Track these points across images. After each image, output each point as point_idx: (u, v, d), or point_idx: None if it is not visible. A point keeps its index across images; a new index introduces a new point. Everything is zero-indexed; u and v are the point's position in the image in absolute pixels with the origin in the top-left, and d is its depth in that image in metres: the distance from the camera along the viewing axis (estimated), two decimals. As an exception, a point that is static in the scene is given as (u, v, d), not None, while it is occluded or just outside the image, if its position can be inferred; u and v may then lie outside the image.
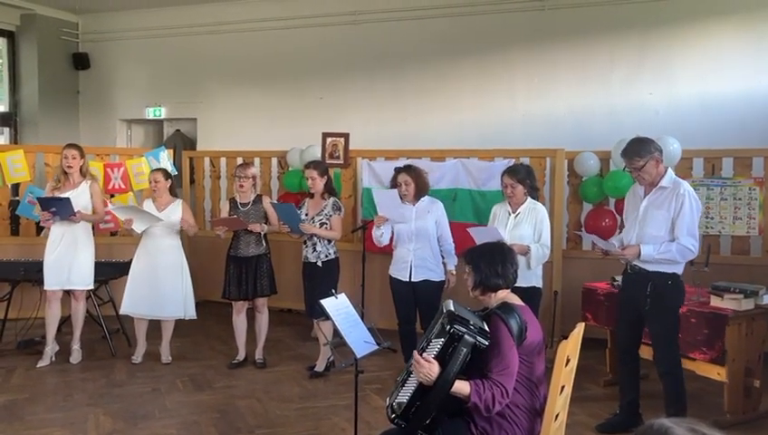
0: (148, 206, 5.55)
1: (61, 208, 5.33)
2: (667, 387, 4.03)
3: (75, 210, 5.36)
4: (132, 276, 5.54)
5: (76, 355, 5.63)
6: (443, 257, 4.99)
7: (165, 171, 5.73)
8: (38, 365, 5.47)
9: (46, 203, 5.37)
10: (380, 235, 4.97)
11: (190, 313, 5.63)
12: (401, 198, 4.92)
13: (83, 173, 5.57)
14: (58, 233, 5.48)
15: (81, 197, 5.50)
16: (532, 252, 4.47)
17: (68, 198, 5.34)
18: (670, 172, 3.99)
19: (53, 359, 5.60)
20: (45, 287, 5.50)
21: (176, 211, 5.56)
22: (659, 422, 1.28)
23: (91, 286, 5.65)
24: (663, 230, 3.91)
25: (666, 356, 4.01)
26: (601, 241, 4.21)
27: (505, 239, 4.37)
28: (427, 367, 2.59)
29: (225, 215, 5.53)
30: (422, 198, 4.97)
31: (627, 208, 4.28)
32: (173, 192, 5.70)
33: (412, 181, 4.91)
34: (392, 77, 8.14)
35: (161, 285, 5.48)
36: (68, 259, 5.47)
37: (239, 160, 7.46)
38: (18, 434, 4.17)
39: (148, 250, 5.53)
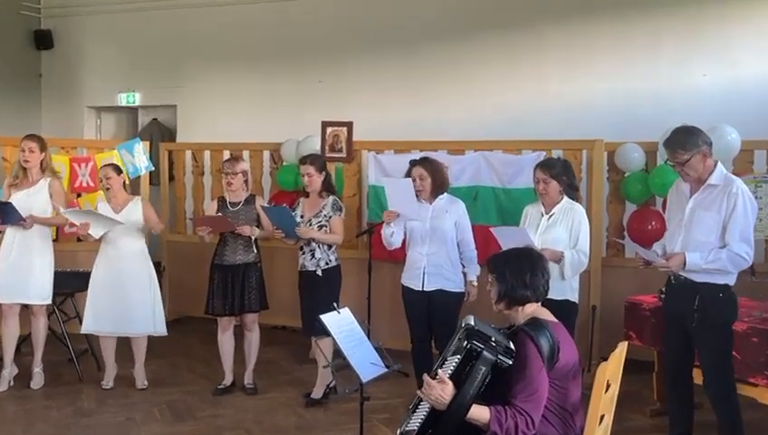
0: (104, 208, 5.55)
1: (5, 214, 5.35)
2: (721, 416, 4.02)
3: (28, 213, 5.37)
4: (93, 289, 5.55)
5: (38, 379, 5.66)
6: (463, 266, 4.99)
7: (115, 166, 5.78)
8: None
9: None
10: (391, 234, 4.96)
11: (160, 328, 5.66)
12: (417, 194, 4.91)
13: (43, 169, 5.60)
14: (9, 239, 5.51)
15: (38, 196, 5.53)
16: (566, 259, 4.46)
17: (10, 204, 5.35)
18: (720, 168, 3.98)
19: (12, 383, 5.62)
20: None
21: (135, 211, 5.57)
22: None
23: (49, 301, 5.68)
24: (712, 235, 3.90)
25: (717, 380, 4.00)
26: (642, 250, 4.20)
27: (536, 243, 4.37)
28: (439, 389, 2.61)
29: (212, 214, 5.55)
30: (440, 196, 4.97)
31: (669, 209, 4.27)
32: (128, 189, 5.73)
33: (428, 176, 4.91)
34: (404, 57, 8.15)
35: (127, 297, 5.50)
36: (22, 270, 5.48)
37: (225, 154, 7.48)
38: (-29, 471, 4.20)
39: (109, 258, 5.54)
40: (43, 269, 5.56)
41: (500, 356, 2.64)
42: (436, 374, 2.69)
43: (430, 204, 4.95)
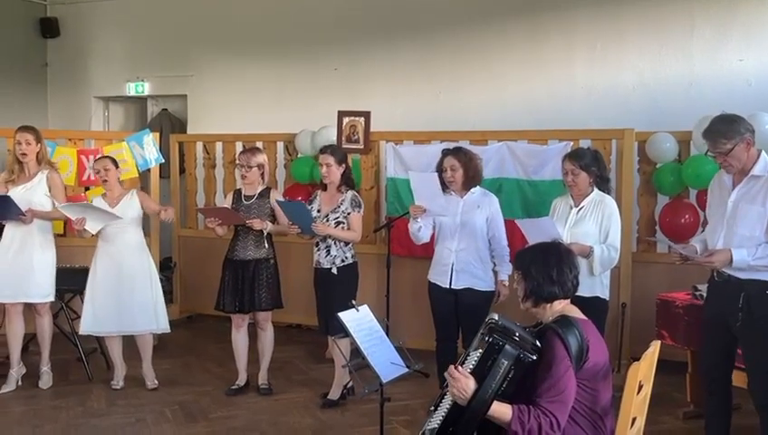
0: (99, 203, 5.57)
1: (3, 209, 5.39)
2: (765, 423, 3.98)
3: (26, 207, 5.41)
4: (91, 288, 5.58)
5: (46, 379, 5.73)
6: (494, 264, 4.98)
7: (113, 159, 5.79)
8: (1, 391, 5.57)
9: None
10: (418, 229, 4.94)
11: (163, 325, 5.69)
12: (447, 185, 4.92)
13: (40, 161, 5.62)
14: (9, 235, 5.56)
15: (36, 190, 5.56)
16: (595, 254, 4.44)
17: (8, 197, 5.38)
18: (765, 157, 3.92)
19: (20, 383, 5.70)
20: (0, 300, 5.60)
21: (132, 205, 5.60)
22: None
23: (52, 298, 5.71)
24: (758, 230, 3.85)
25: (763, 385, 3.96)
26: (677, 245, 4.16)
27: (564, 238, 4.36)
28: (463, 382, 2.63)
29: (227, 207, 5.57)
30: (473, 190, 4.96)
31: (711, 202, 4.22)
32: (121, 183, 5.77)
33: (461, 167, 4.88)
34: (423, 43, 8.12)
35: (127, 295, 5.53)
36: (23, 267, 5.52)
37: (238, 146, 7.52)
38: (-21, 472, 4.26)
39: (107, 254, 5.57)
40: (44, 266, 5.60)
41: (523, 351, 2.65)
42: (458, 368, 2.71)
43: (461, 197, 4.93)
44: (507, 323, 2.72)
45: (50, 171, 5.67)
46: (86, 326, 5.58)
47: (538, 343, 2.72)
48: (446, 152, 5.02)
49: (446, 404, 2.77)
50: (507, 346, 2.65)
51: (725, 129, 3.86)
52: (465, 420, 2.66)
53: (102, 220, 5.46)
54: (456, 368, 2.69)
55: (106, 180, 5.60)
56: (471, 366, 2.70)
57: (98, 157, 6.02)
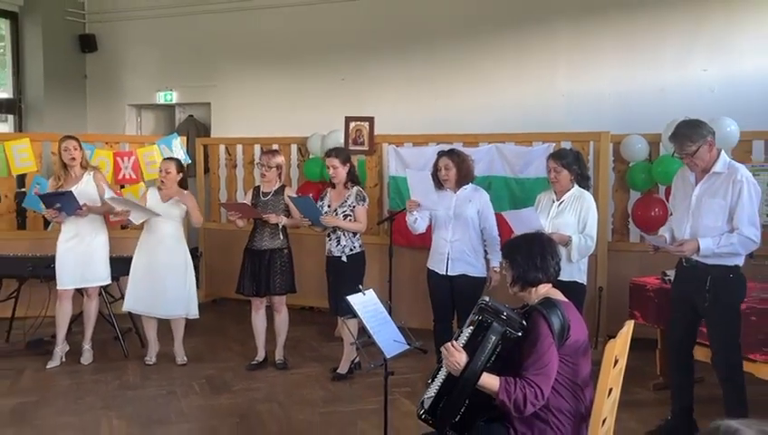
0: (153, 194, 5.61)
1: (65, 203, 5.42)
2: (727, 393, 3.98)
3: (81, 203, 5.45)
4: (134, 273, 5.62)
5: (87, 356, 5.75)
6: (486, 253, 4.98)
7: (178, 162, 5.79)
8: (48, 366, 5.59)
9: (49, 200, 5.47)
10: (414, 221, 4.96)
11: (193, 312, 5.71)
12: (442, 183, 4.92)
13: (83, 165, 5.67)
14: (70, 229, 5.59)
15: (86, 189, 5.60)
16: (573, 243, 4.44)
17: (71, 192, 5.42)
18: (724, 156, 3.93)
19: (63, 359, 5.72)
20: (59, 287, 5.61)
21: (179, 206, 5.61)
22: (727, 424, 1.27)
23: (108, 281, 5.78)
24: (720, 221, 3.86)
25: (726, 359, 3.96)
26: (650, 236, 4.16)
27: (546, 228, 4.36)
28: (456, 355, 2.67)
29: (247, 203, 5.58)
30: (465, 186, 4.96)
31: (675, 195, 4.22)
32: (183, 184, 5.78)
33: (453, 166, 4.90)
34: (421, 56, 8.12)
35: (163, 283, 5.55)
36: (83, 256, 5.59)
37: (256, 148, 7.52)
38: (28, 439, 4.28)
39: (149, 245, 5.60)
40: (101, 254, 5.67)
41: (508, 328, 2.69)
42: (453, 344, 2.75)
43: (455, 193, 4.93)
44: (497, 305, 2.75)
45: (95, 172, 5.74)
46: (128, 304, 5.64)
47: (524, 322, 2.73)
48: (441, 153, 5.03)
49: (441, 377, 2.80)
50: (495, 323, 2.69)
51: (690, 132, 3.87)
52: (457, 389, 2.69)
53: (143, 214, 5.49)
54: (451, 343, 2.72)
55: (164, 180, 5.60)
56: (463, 341, 2.74)
57: (166, 158, 6.05)
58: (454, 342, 2.74)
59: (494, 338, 2.67)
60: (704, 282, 3.91)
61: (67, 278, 5.59)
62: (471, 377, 2.64)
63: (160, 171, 5.68)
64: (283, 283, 5.49)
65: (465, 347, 2.71)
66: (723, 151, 3.96)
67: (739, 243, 3.80)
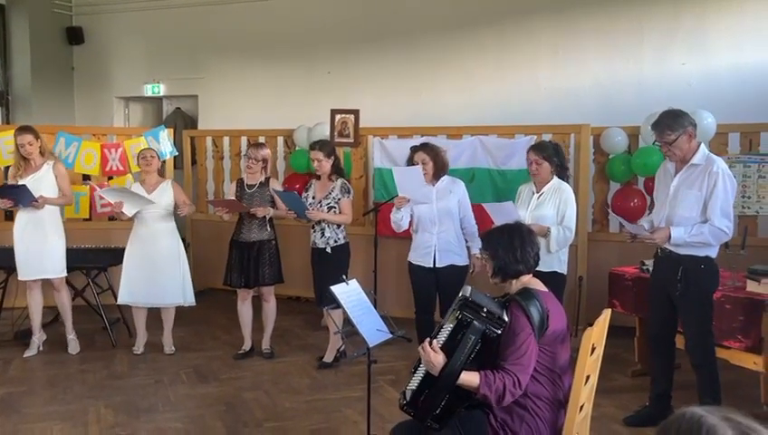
0: (137, 189, 5.54)
1: (19, 196, 5.34)
2: (701, 379, 4.02)
3: (37, 195, 5.35)
4: (127, 264, 5.57)
5: (74, 345, 5.71)
6: (466, 241, 4.97)
7: (156, 151, 5.77)
8: (25, 355, 5.57)
9: (2, 192, 5.39)
10: (400, 218, 4.88)
11: (189, 299, 5.68)
12: None
13: (43, 153, 5.54)
14: (23, 220, 5.51)
15: (44, 179, 5.49)
16: (552, 234, 4.44)
17: (24, 186, 5.33)
18: (703, 148, 3.95)
19: (41, 348, 5.69)
20: (19, 278, 5.56)
21: (166, 192, 5.57)
22: (691, 411, 1.28)
23: (65, 274, 5.66)
24: (695, 211, 3.88)
25: (698, 346, 4.00)
26: (629, 224, 4.18)
27: (526, 220, 4.36)
28: (432, 356, 2.61)
29: (232, 196, 5.56)
30: (442, 178, 4.93)
31: (657, 187, 4.25)
32: (161, 173, 5.75)
33: (430, 160, 4.86)
34: (405, 49, 8.10)
35: (159, 273, 5.52)
36: (37, 247, 5.48)
37: (243, 140, 7.49)
38: (16, 428, 4.24)
39: (141, 236, 5.55)
40: (56, 245, 5.56)
41: (489, 326, 2.63)
42: (435, 338, 2.70)
43: (433, 186, 4.91)
44: (477, 298, 2.69)
45: (55, 162, 5.61)
46: (123, 298, 5.59)
47: (505, 316, 2.69)
48: (414, 148, 4.97)
49: (421, 371, 2.75)
50: (475, 322, 2.63)
51: (671, 122, 3.89)
52: (436, 387, 2.65)
53: (138, 205, 5.42)
54: (429, 343, 2.66)
55: (149, 165, 5.56)
56: (443, 340, 2.67)
57: (145, 147, 5.98)
58: (433, 341, 2.67)
59: (473, 338, 2.62)
60: (676, 271, 3.95)
61: (25, 269, 5.50)
62: (450, 377, 2.61)
63: (143, 159, 5.59)
64: (271, 273, 5.48)
65: (444, 345, 2.65)
66: (702, 144, 3.98)
67: (710, 233, 3.82)
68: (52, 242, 5.53)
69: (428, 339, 2.70)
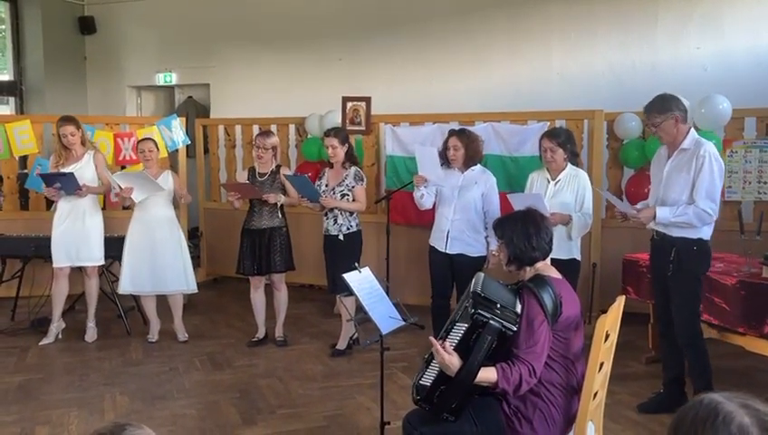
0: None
1: (65, 183, 5.41)
2: (691, 358, 4.07)
3: (81, 184, 5.43)
4: (129, 252, 5.58)
5: (91, 333, 5.76)
6: (486, 235, 4.92)
7: (155, 141, 5.78)
8: (41, 343, 5.61)
9: (50, 179, 5.46)
10: (421, 196, 4.92)
11: (192, 286, 5.70)
12: (450, 162, 4.89)
13: (84, 143, 5.63)
14: (65, 208, 5.57)
15: (86, 169, 5.57)
16: (574, 222, 4.45)
17: (72, 173, 5.40)
18: (693, 133, 3.99)
19: (59, 337, 5.74)
20: (54, 265, 5.60)
21: (167, 181, 5.61)
22: (709, 397, 1.27)
23: (102, 262, 5.75)
24: (684, 194, 3.93)
25: (685, 326, 4.03)
26: (617, 200, 4.22)
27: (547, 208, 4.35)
28: (447, 359, 2.56)
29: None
30: (473, 167, 4.91)
31: (653, 172, 4.30)
32: (172, 161, 5.77)
33: (462, 147, 4.85)
34: (417, 36, 8.05)
35: (161, 260, 5.54)
36: (76, 235, 5.57)
37: (255, 128, 7.47)
38: (34, 415, 4.28)
39: (142, 223, 5.57)
40: (95, 233, 5.64)
41: (505, 324, 2.59)
42: (448, 333, 2.67)
43: (462, 173, 4.89)
44: (490, 291, 2.65)
45: (95, 152, 5.71)
46: (124, 286, 5.61)
47: (518, 309, 2.65)
48: (451, 132, 5.00)
49: (436, 366, 2.69)
50: (491, 322, 2.58)
51: (659, 105, 3.96)
52: (453, 386, 2.61)
53: (148, 191, 5.45)
54: (442, 345, 2.60)
55: (149, 159, 5.58)
56: (457, 339, 2.63)
57: (142, 138, 5.99)
58: (446, 344, 2.61)
59: (489, 338, 2.58)
60: (669, 253, 4.00)
61: (61, 256, 5.57)
62: (467, 376, 2.57)
63: (142, 152, 5.60)
64: (282, 261, 5.48)
65: (458, 346, 2.61)
66: (692, 129, 4.03)
67: (694, 214, 3.85)
68: (92, 230, 5.62)
69: (442, 332, 2.68)
